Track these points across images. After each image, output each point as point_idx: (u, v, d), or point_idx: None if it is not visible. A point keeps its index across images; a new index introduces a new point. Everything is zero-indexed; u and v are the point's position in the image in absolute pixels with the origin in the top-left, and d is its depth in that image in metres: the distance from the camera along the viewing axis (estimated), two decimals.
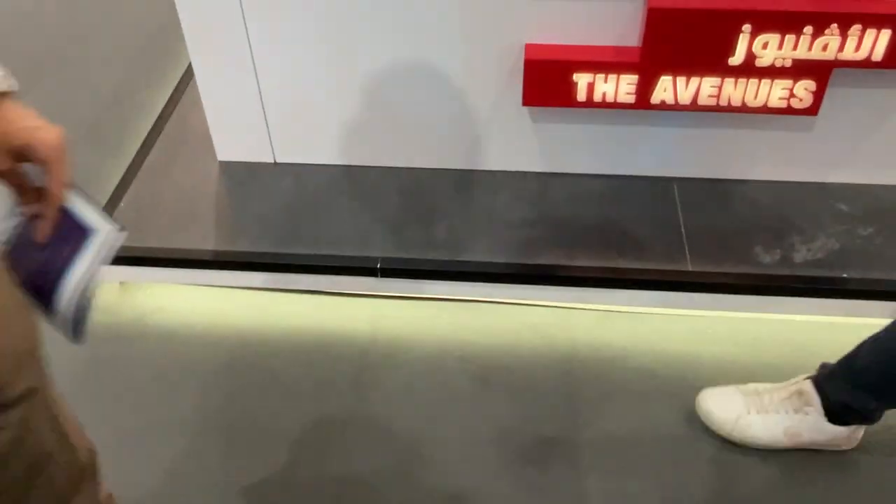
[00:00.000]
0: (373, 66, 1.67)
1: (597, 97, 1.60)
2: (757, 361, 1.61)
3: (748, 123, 1.68)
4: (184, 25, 1.66)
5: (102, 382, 1.63)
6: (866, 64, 1.51)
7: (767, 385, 1.51)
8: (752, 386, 1.51)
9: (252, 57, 1.68)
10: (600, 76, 1.57)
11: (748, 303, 1.61)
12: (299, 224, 1.74)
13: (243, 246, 1.72)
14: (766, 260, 1.62)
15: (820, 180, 1.78)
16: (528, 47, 1.59)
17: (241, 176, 1.85)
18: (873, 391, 1.37)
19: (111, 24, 2.62)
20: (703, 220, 1.71)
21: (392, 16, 1.60)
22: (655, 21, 1.49)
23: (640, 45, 1.56)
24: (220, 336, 1.69)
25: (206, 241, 1.73)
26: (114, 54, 2.48)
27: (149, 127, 2.03)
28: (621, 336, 1.67)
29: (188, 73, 2.14)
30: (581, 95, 1.60)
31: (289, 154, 1.85)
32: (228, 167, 1.87)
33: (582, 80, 1.58)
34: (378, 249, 1.68)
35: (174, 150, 1.94)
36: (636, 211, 1.73)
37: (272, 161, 1.87)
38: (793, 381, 1.48)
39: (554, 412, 1.54)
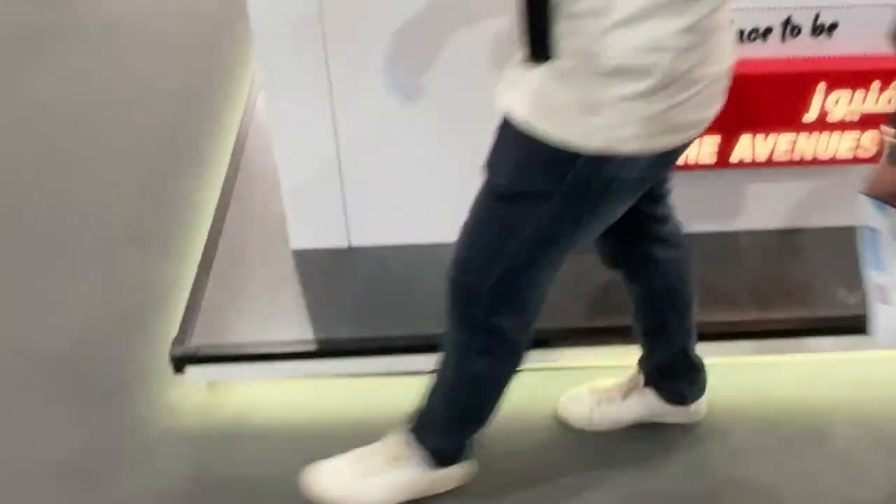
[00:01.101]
0: (458, 135, 1.66)
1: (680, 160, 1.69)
2: (863, 398, 1.68)
3: (811, 174, 1.79)
4: (268, 115, 1.68)
5: (213, 488, 1.56)
6: None
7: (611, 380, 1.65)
8: (599, 382, 1.65)
9: (337, 147, 1.71)
10: None
11: (845, 343, 1.69)
12: (393, 306, 1.73)
13: (338, 333, 1.70)
14: (852, 301, 1.71)
15: None
16: None
17: (320, 263, 1.84)
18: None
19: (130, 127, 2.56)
20: (779, 270, 1.79)
21: (479, 91, 1.64)
22: (737, 87, 1.59)
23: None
24: (326, 428, 1.64)
25: (298, 332, 1.70)
26: (140, 153, 2.41)
27: (205, 224, 1.99)
28: (726, 388, 1.68)
29: (232, 168, 2.14)
30: None
31: (365, 237, 1.86)
32: (303, 255, 1.86)
33: None
34: None
35: (241, 246, 1.91)
36: (714, 266, 1.80)
37: (347, 246, 1.87)
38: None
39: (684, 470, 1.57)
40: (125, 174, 2.31)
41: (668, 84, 0.99)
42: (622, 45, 0.96)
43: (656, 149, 1.07)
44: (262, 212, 1.95)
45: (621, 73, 0.98)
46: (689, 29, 0.97)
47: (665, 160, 1.15)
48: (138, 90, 2.64)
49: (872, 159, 1.72)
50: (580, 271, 1.58)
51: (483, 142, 1.70)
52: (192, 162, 2.31)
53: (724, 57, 1.11)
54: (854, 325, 1.68)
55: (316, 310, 1.74)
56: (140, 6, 3.12)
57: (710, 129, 1.64)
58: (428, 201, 1.80)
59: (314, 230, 1.85)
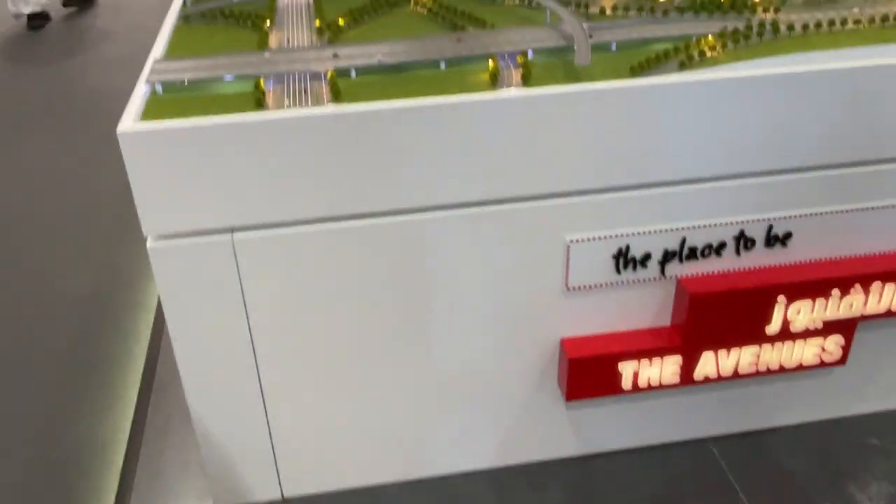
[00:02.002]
0: (399, 373, 1.53)
1: (642, 383, 1.55)
2: None
3: (778, 377, 1.69)
4: (177, 354, 1.43)
5: None
6: (888, 314, 1.59)
7: None
8: None
9: (264, 401, 1.51)
10: (645, 361, 1.54)
11: None
12: None
13: None
14: None
15: (844, 415, 1.80)
16: (566, 343, 1.54)
17: None
18: None
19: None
20: (756, 481, 1.64)
21: (421, 318, 1.50)
22: (698, 305, 1.49)
23: (671, 323, 1.56)
24: None
25: None
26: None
27: (111, 480, 1.72)
28: None
29: (142, 403, 1.91)
30: (626, 384, 1.54)
31: (299, 486, 1.65)
32: None
33: (627, 368, 1.53)
34: None
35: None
36: (689, 483, 1.65)
37: (280, 498, 1.65)
38: None
39: None
40: (17, 405, 2.01)
41: None
42: None
43: None
44: (176, 464, 1.71)
45: None
46: None
47: None
48: (35, 293, 2.40)
49: (838, 362, 1.65)
50: None
51: (414, 378, 1.55)
52: (98, 389, 2.03)
53: None
54: None
55: None
56: (33, 191, 2.91)
57: (671, 350, 1.57)
58: (364, 442, 1.62)
59: (242, 485, 1.62)
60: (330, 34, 1.49)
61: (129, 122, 1.20)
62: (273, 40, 1.49)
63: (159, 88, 1.29)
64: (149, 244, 1.29)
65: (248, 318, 1.38)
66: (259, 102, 1.25)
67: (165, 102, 1.28)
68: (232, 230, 1.31)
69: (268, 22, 1.55)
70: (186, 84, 1.31)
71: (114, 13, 5.05)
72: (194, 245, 1.30)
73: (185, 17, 1.61)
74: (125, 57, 4.18)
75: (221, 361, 1.46)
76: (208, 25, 1.59)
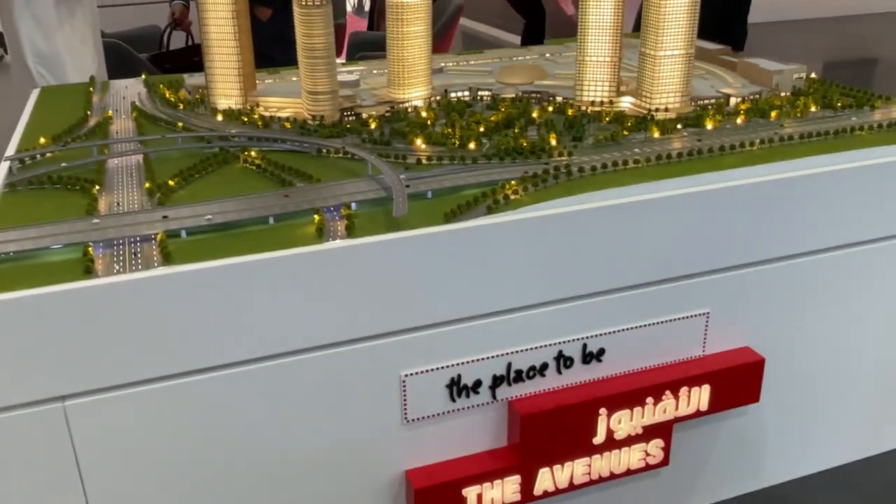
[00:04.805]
0: None
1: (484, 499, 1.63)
2: None
3: (612, 484, 1.78)
4: None
5: None
6: (697, 414, 1.75)
7: None
8: None
9: None
10: (487, 484, 1.61)
11: None
12: None
13: None
14: None
15: None
16: (411, 474, 1.58)
17: None
18: None
19: None
20: None
21: (264, 468, 1.51)
22: (529, 425, 1.59)
23: (508, 443, 1.65)
24: None
25: None
26: None
27: None
28: None
29: None
30: None
31: None
32: None
33: (471, 493, 1.59)
34: None
35: None
36: None
37: None
38: None
39: None
40: None
41: None
42: None
43: None
44: None
45: None
46: None
47: None
48: None
49: (661, 463, 1.79)
50: None
51: None
52: None
53: None
54: None
55: None
56: None
57: (510, 469, 1.65)
58: None
59: None
60: (160, 195, 1.55)
61: None
62: (102, 204, 1.53)
63: None
64: None
65: (84, 487, 1.35)
66: (88, 269, 1.27)
67: None
68: (63, 398, 1.30)
69: (97, 186, 1.59)
70: (12, 255, 1.32)
71: None
72: (23, 417, 1.27)
73: (10, 185, 1.62)
74: None
75: None
76: (35, 192, 1.61)
